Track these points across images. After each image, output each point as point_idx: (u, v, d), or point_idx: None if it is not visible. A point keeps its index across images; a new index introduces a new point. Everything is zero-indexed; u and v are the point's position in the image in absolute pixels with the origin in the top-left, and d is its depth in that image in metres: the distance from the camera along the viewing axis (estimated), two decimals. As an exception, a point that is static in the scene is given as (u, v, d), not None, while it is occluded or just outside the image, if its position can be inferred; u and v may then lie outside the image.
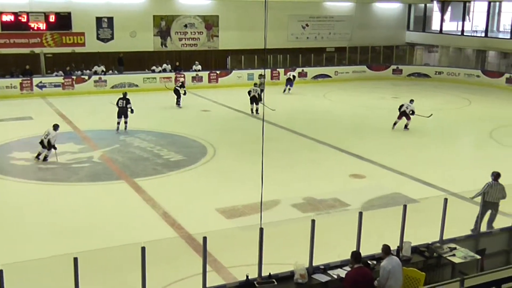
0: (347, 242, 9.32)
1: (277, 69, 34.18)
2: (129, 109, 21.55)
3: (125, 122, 21.65)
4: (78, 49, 31.30)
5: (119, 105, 21.56)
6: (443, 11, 38.61)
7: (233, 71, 33.34)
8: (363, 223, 9.07)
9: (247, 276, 8.32)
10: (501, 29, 40.44)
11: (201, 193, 15.33)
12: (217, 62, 34.52)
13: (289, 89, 30.87)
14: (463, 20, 38.05)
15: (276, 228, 11.20)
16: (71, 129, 22.02)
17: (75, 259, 7.00)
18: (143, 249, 7.34)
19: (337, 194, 14.97)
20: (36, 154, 17.83)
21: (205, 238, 7.81)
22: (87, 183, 16.09)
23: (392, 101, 29.44)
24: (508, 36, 35.66)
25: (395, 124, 22.72)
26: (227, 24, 34.46)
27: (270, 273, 8.51)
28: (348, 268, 8.64)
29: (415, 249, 9.80)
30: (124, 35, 32.11)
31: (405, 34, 40.12)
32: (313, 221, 8.53)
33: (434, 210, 10.34)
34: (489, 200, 12.27)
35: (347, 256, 8.62)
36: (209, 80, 32.67)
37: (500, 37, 37.66)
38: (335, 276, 8.63)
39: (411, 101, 22.82)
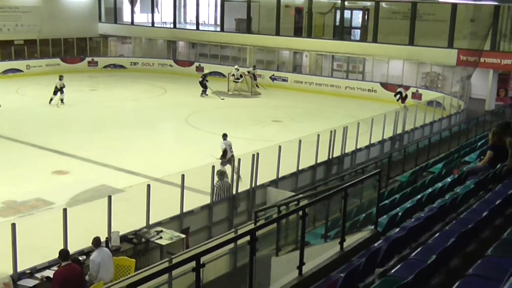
0: (54, 241, 9.01)
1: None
2: None
3: None
4: None
5: None
6: (132, 3, 39.49)
7: None
8: (70, 220, 8.87)
9: None
10: (188, 20, 43.10)
11: None
12: None
13: None
14: (153, 12, 39.48)
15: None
16: None
17: None
18: None
19: (40, 194, 14.31)
20: None
21: None
22: None
23: (91, 94, 29.20)
24: (194, 28, 38.14)
25: None
26: None
27: (-32, 289, 7.79)
28: (56, 268, 8.39)
29: (124, 238, 9.99)
30: None
31: (97, 26, 39.85)
32: (13, 225, 8.05)
33: (139, 197, 10.63)
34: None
35: (55, 256, 8.35)
36: None
37: (187, 28, 40.03)
38: (43, 279, 8.31)
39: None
